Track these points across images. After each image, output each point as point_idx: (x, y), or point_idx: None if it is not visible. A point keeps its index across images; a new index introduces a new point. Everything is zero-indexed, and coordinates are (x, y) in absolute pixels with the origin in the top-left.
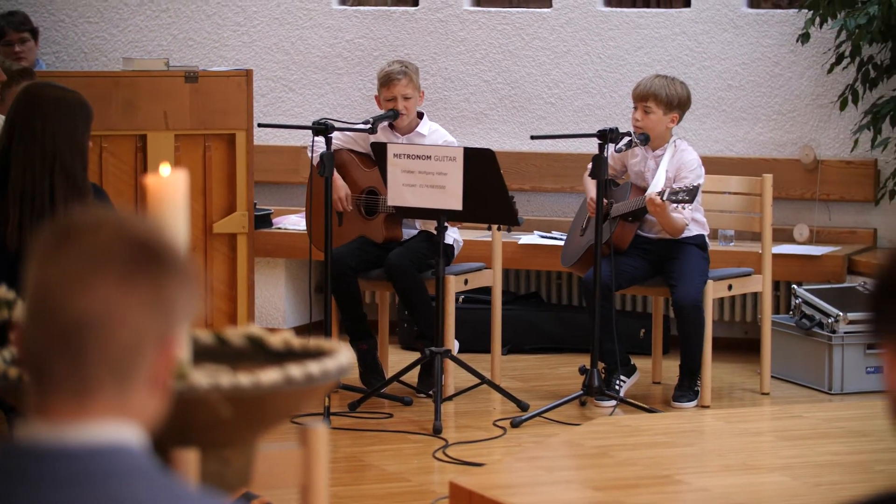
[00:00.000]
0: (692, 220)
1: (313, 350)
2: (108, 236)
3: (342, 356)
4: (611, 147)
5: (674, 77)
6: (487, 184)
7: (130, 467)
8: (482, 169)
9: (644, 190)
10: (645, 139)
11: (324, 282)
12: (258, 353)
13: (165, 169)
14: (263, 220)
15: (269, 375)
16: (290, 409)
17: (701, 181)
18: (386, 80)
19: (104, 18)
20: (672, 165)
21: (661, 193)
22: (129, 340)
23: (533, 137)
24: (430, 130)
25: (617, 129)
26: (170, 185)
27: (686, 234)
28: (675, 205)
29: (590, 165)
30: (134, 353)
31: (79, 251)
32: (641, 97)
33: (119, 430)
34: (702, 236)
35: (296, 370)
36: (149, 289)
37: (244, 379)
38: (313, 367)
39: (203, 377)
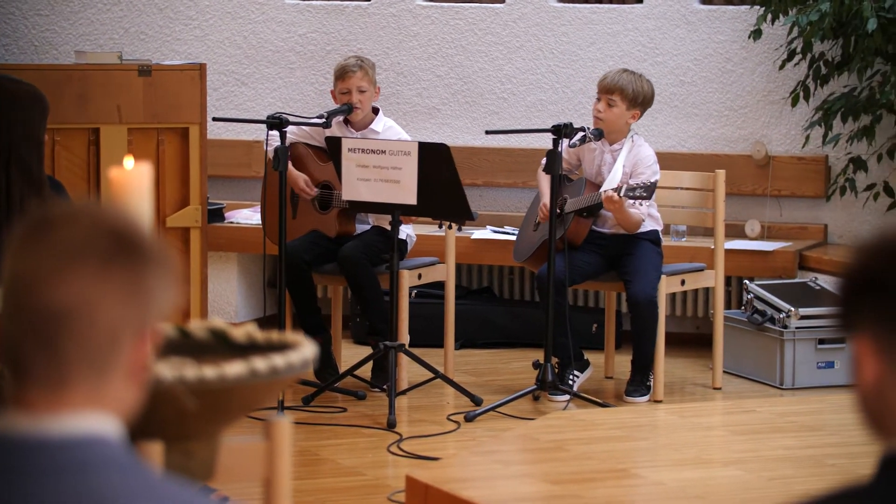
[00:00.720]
0: (647, 215)
1: (276, 343)
2: (84, 227)
3: (306, 349)
4: (565, 142)
5: (641, 74)
6: (442, 179)
7: (107, 458)
8: (437, 164)
9: (599, 186)
10: (598, 134)
11: (277, 276)
12: (221, 346)
13: (129, 162)
14: (216, 215)
15: (234, 368)
16: (254, 401)
17: (657, 177)
18: (341, 73)
19: (55, 11)
20: (629, 160)
21: (617, 190)
22: (107, 331)
23: (488, 132)
24: (385, 127)
25: (571, 124)
26: (133, 177)
27: (640, 229)
28: (631, 201)
29: (544, 160)
30: (111, 344)
31: (56, 242)
32: (607, 89)
33: (97, 421)
34: (655, 231)
35: (260, 363)
36: (126, 280)
37: (209, 371)
38: (278, 359)
39: (167, 369)
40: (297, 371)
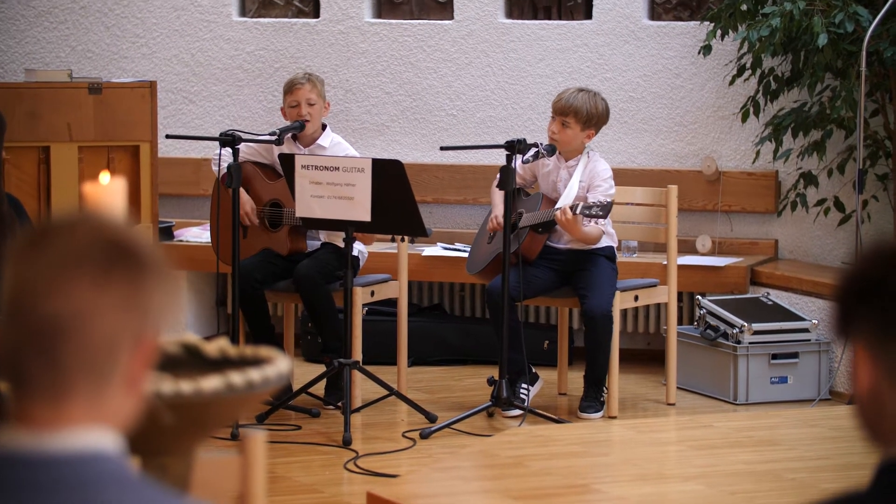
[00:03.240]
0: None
1: (250, 358)
2: (83, 237)
3: (281, 363)
4: (518, 158)
5: (596, 92)
6: (396, 195)
7: (108, 474)
8: (390, 180)
9: (555, 202)
10: (551, 150)
11: (227, 295)
12: (193, 360)
13: (105, 177)
14: (165, 233)
15: (211, 382)
16: (229, 416)
17: (612, 192)
18: (289, 87)
19: (1, 30)
20: (585, 175)
21: (573, 207)
22: (105, 341)
23: (443, 148)
24: (332, 143)
25: (524, 140)
26: (108, 193)
27: (595, 245)
28: (588, 219)
29: (499, 176)
30: (110, 354)
31: (54, 252)
32: (562, 111)
33: (97, 435)
34: (611, 248)
35: (237, 377)
36: (124, 289)
37: (185, 386)
38: (254, 374)
39: None
40: (272, 385)
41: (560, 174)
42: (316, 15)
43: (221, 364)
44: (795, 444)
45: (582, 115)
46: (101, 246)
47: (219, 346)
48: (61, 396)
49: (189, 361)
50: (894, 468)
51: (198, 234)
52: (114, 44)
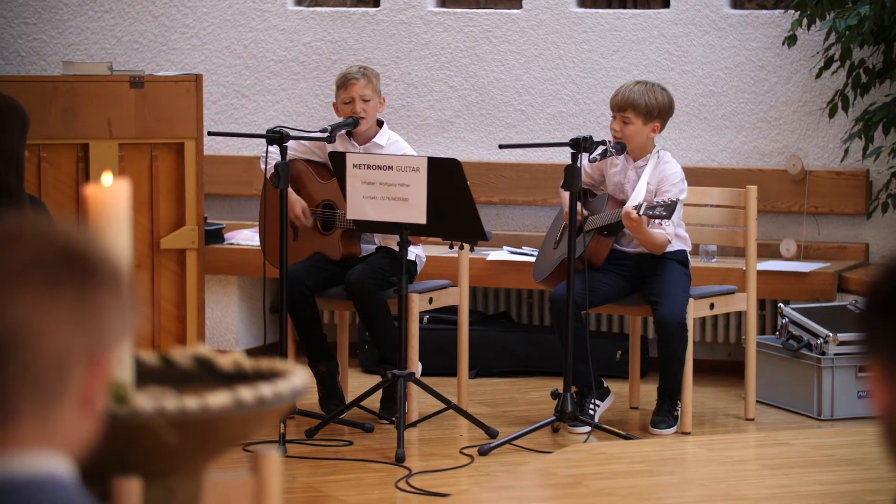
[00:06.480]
0: (675, 235)
1: (266, 371)
2: (29, 246)
3: (296, 377)
4: (584, 157)
5: (655, 83)
6: (453, 196)
7: (59, 501)
8: (447, 180)
9: (622, 202)
10: (621, 148)
11: (279, 301)
12: (206, 374)
13: (107, 178)
14: (215, 235)
15: (218, 398)
16: (240, 434)
17: (683, 196)
18: (343, 82)
19: (42, 19)
20: (654, 178)
21: (637, 207)
22: (53, 358)
23: (501, 146)
24: (389, 141)
25: (591, 137)
26: (112, 195)
27: (666, 249)
28: (655, 220)
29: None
30: (59, 372)
31: None
32: (619, 106)
33: (47, 460)
34: (683, 252)
35: (246, 392)
36: (74, 301)
37: (190, 402)
38: (265, 389)
39: (146, 400)
40: (285, 401)
41: (628, 175)
42: (376, 4)
43: (236, 378)
44: (877, 464)
45: (641, 108)
46: (48, 255)
47: (233, 359)
48: (7, 418)
49: (201, 376)
50: None
51: (249, 236)
52: (162, 34)
